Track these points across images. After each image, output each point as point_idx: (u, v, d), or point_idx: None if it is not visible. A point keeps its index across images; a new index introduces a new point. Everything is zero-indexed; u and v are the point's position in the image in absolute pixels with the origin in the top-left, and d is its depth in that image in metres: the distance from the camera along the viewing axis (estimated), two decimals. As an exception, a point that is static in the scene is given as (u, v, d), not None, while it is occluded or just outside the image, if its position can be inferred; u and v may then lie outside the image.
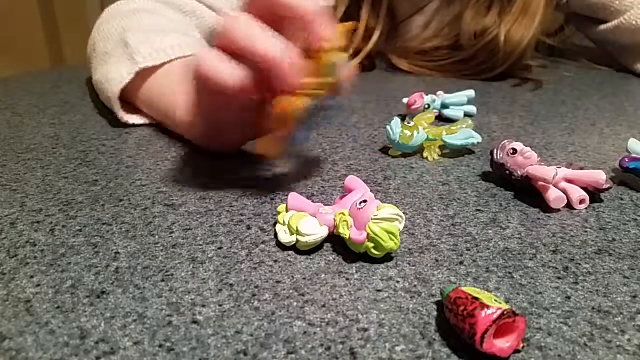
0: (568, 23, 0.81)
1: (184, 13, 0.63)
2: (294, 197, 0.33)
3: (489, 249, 0.31)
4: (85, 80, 0.67)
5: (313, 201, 0.34)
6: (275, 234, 0.32)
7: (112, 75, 0.49)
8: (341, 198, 0.34)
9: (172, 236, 0.32)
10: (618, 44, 0.74)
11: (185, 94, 0.41)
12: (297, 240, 0.30)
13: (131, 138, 0.48)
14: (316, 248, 0.31)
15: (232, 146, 0.43)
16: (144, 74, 0.48)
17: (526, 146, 0.37)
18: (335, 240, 0.31)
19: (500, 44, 0.66)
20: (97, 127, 0.51)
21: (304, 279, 0.28)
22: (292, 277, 0.28)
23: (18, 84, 0.68)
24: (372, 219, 0.29)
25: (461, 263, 0.30)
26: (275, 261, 0.30)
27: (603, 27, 0.72)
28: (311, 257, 0.30)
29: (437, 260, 0.30)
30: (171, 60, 0.48)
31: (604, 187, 0.36)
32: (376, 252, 0.29)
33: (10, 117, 0.55)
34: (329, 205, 0.33)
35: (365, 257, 0.29)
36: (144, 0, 0.61)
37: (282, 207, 0.33)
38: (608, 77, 0.74)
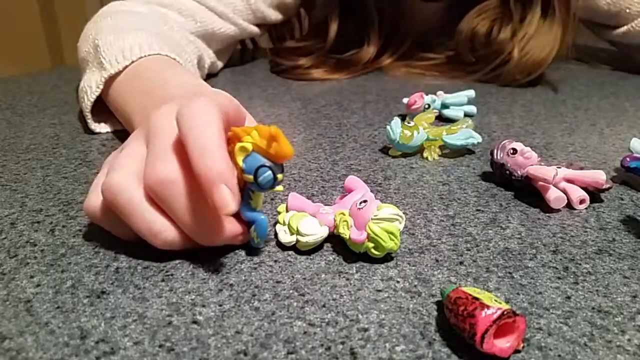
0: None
1: (184, 16, 0.63)
2: (294, 197, 0.33)
3: (489, 249, 0.31)
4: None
5: (313, 201, 0.34)
6: (275, 234, 0.32)
7: (87, 84, 0.48)
8: (341, 198, 0.34)
9: (172, 236, 0.32)
10: (629, 45, 0.75)
11: (146, 112, 0.38)
12: (297, 240, 0.30)
13: (131, 138, 0.48)
14: (316, 248, 0.31)
15: None
16: (110, 80, 0.46)
17: (526, 146, 0.37)
18: (335, 240, 0.31)
19: (513, 61, 0.67)
20: (97, 127, 0.51)
21: (304, 279, 0.28)
22: (292, 277, 0.28)
23: (18, 84, 0.68)
24: (372, 219, 0.29)
25: (461, 263, 0.30)
26: (275, 261, 0.30)
27: (614, 32, 0.74)
28: (311, 257, 0.30)
29: (437, 260, 0.30)
30: (132, 62, 0.46)
31: (604, 187, 0.36)
32: (376, 252, 0.29)
33: (10, 117, 0.55)
34: (329, 205, 0.33)
35: (365, 257, 0.29)
36: (135, 3, 0.60)
37: (282, 207, 0.33)
38: (608, 77, 0.74)
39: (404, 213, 0.31)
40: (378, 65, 0.75)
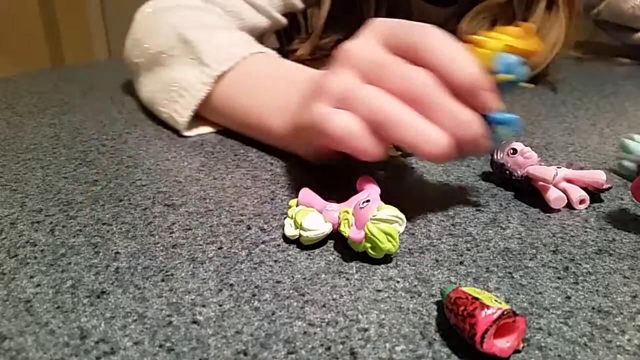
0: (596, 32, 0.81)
1: (230, 13, 0.62)
2: (304, 193, 0.33)
3: (489, 249, 0.31)
4: (85, 80, 0.67)
5: (325, 199, 0.34)
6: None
7: (184, 80, 0.46)
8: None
9: (172, 236, 0.32)
10: None
11: (277, 107, 0.41)
12: (300, 235, 0.30)
13: (131, 138, 0.48)
14: (319, 244, 0.31)
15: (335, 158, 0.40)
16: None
17: (526, 146, 0.37)
18: (339, 238, 0.31)
19: None
20: (97, 127, 0.51)
21: (304, 279, 0.28)
22: (292, 277, 0.28)
23: (18, 84, 0.68)
24: (370, 219, 0.29)
25: (461, 263, 0.30)
26: (275, 261, 0.30)
27: (636, 35, 0.73)
28: (311, 257, 0.30)
29: (437, 260, 0.30)
30: (237, 62, 0.45)
31: (604, 187, 0.36)
32: (373, 253, 0.29)
33: (10, 117, 0.55)
34: (343, 202, 0.33)
35: (366, 257, 0.29)
36: None
37: (293, 202, 0.33)
38: (608, 77, 0.74)
39: (404, 213, 0.31)
40: None
